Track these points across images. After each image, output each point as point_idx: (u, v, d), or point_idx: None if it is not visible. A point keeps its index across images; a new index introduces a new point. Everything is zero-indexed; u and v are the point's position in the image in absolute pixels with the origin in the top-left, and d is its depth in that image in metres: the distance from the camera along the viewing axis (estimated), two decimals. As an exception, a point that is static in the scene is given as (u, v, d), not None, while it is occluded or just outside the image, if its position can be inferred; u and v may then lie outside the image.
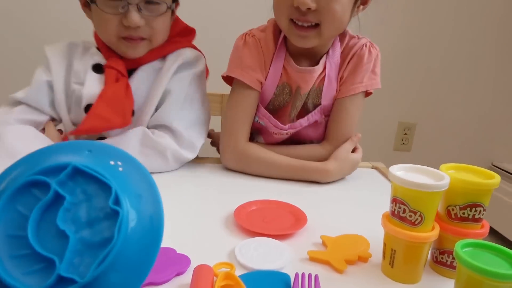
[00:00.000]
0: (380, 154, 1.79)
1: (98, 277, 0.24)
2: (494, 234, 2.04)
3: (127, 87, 0.83)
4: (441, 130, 2.05)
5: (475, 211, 0.49)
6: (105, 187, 0.26)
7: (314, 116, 0.90)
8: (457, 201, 0.50)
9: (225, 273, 0.47)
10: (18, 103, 0.83)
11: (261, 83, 0.87)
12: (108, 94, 0.81)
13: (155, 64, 0.88)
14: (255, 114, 0.90)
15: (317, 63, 0.87)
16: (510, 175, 1.99)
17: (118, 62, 0.84)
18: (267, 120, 0.90)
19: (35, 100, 0.84)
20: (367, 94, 0.91)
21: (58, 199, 0.26)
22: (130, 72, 0.86)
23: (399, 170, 0.51)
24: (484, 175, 0.51)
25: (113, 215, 0.26)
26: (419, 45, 1.92)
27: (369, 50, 0.87)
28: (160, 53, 0.88)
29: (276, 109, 0.91)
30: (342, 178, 0.87)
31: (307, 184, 0.83)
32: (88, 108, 0.83)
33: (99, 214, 0.26)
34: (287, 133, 0.91)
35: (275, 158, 0.85)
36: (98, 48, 0.88)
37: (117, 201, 0.26)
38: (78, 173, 0.26)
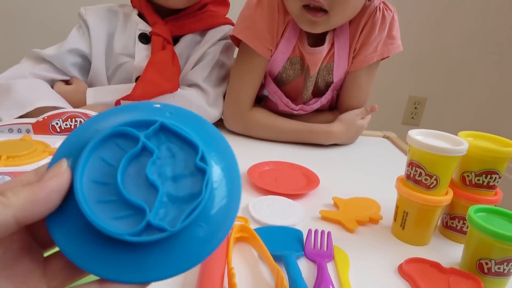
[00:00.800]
0: (388, 127, 1.77)
1: (185, 228, 0.24)
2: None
3: (174, 53, 0.84)
4: (452, 105, 2.03)
5: (491, 178, 0.49)
6: (190, 145, 0.27)
7: (327, 97, 0.88)
8: (473, 167, 0.50)
9: (240, 226, 0.48)
10: (44, 60, 0.82)
11: (271, 51, 0.82)
12: (156, 60, 0.81)
13: (196, 37, 0.90)
14: (265, 87, 0.88)
15: (323, 39, 0.82)
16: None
17: (163, 28, 0.84)
18: (278, 98, 0.87)
19: (63, 62, 0.82)
20: (383, 57, 0.85)
21: (144, 151, 0.26)
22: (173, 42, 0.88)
23: (418, 135, 0.51)
24: (502, 143, 0.51)
25: (199, 172, 0.26)
26: (433, 17, 1.87)
27: (383, 15, 0.80)
28: (199, 24, 0.88)
29: (284, 83, 0.87)
30: (353, 145, 0.88)
31: (320, 149, 0.84)
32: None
33: (184, 171, 0.26)
34: (297, 113, 0.89)
35: (281, 123, 0.85)
36: (139, 15, 0.88)
37: (203, 159, 0.26)
38: (165, 130, 0.27)
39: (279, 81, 0.88)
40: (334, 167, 0.76)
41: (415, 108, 2.01)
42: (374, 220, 0.55)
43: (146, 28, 0.86)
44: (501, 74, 1.99)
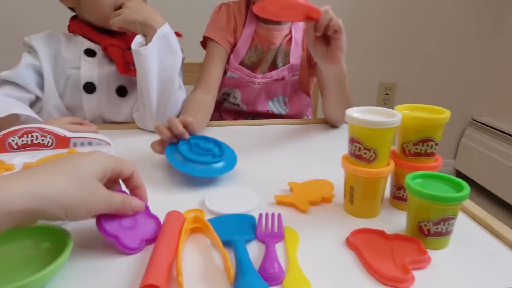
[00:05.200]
0: (361, 115, 1.81)
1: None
2: (475, 186, 2.11)
3: None
4: (421, 88, 2.07)
5: (427, 145, 0.52)
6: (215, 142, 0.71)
7: (283, 71, 1.00)
8: (410, 137, 0.52)
9: (193, 217, 0.50)
10: (4, 82, 0.84)
11: (230, 43, 0.98)
12: None
13: None
14: (228, 69, 0.98)
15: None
16: (489, 128, 2.03)
17: (115, 40, 0.89)
18: (240, 72, 1.00)
19: (23, 78, 0.85)
20: None
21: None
22: None
23: (355, 112, 0.53)
24: (436, 111, 0.54)
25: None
26: (398, 5, 1.91)
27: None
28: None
29: (249, 67, 1.01)
30: (315, 131, 0.91)
31: (280, 136, 0.87)
32: (87, 85, 0.89)
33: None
34: (259, 83, 1.00)
35: None
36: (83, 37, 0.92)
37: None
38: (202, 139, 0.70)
39: (244, 66, 1.01)
40: (293, 152, 0.78)
41: (386, 94, 2.05)
42: (327, 199, 0.57)
43: (91, 45, 0.90)
44: (468, 53, 2.04)
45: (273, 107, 1.04)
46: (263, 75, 1.00)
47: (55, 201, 0.35)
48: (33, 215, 0.34)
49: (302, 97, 1.05)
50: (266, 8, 0.77)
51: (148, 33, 0.79)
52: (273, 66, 1.01)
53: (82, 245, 0.45)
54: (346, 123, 0.53)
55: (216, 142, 0.69)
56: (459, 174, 2.23)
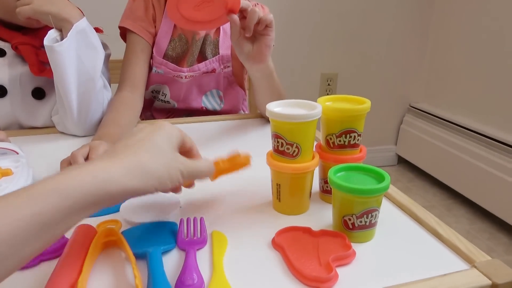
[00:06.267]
0: (305, 106, 1.82)
1: None
2: (416, 170, 2.20)
3: None
4: (361, 77, 2.12)
5: (350, 137, 0.51)
6: None
7: (212, 63, 0.95)
8: (333, 129, 0.51)
9: (106, 230, 0.45)
10: None
11: (151, 34, 0.91)
12: None
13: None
14: (153, 65, 0.93)
15: None
16: (426, 114, 2.13)
17: (26, 38, 0.81)
18: (165, 67, 0.93)
19: None
20: None
21: None
22: None
23: (277, 107, 0.51)
24: (358, 101, 0.53)
25: None
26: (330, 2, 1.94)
27: (262, 7, 0.93)
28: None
29: (175, 59, 0.94)
30: (252, 126, 0.89)
31: (211, 134, 0.84)
32: None
33: None
34: (186, 76, 0.94)
35: None
36: None
37: None
38: None
39: (170, 59, 0.94)
40: (228, 150, 0.75)
41: (328, 84, 2.08)
42: (257, 198, 0.55)
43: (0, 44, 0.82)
44: (404, 42, 2.12)
45: (207, 102, 1.00)
46: (191, 68, 0.94)
47: (146, 178, 0.38)
48: (129, 194, 0.37)
49: (237, 90, 1.01)
50: (181, 12, 0.71)
51: (63, 27, 0.72)
52: (202, 58, 0.95)
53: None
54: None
55: None
56: (400, 159, 2.32)
